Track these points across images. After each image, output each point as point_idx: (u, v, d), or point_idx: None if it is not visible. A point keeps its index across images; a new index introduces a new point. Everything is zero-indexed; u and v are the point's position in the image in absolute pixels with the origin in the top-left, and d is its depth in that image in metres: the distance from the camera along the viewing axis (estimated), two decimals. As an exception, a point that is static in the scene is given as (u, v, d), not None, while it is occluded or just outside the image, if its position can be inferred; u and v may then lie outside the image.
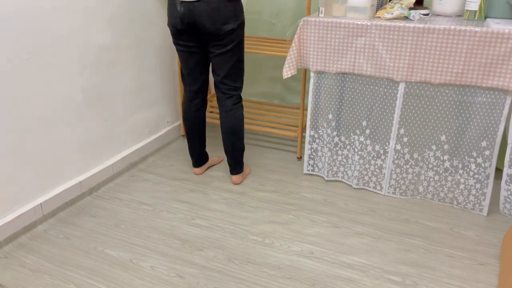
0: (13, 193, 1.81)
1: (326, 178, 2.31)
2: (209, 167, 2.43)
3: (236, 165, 2.23)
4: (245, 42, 2.81)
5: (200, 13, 1.87)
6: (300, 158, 2.42)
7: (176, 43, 2.05)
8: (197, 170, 2.36)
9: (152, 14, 2.39)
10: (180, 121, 2.73)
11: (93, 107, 2.12)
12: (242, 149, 2.21)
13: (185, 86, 2.18)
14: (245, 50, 2.43)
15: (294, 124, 2.58)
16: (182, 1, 1.88)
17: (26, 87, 1.78)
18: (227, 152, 2.20)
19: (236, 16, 1.93)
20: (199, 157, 2.33)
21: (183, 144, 2.74)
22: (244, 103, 3.04)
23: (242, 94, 2.98)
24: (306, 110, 2.57)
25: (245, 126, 2.60)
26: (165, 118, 2.70)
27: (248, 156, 2.58)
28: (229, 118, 2.11)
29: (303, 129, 2.39)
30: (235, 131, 2.14)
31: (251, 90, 3.00)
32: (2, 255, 1.74)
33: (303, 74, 2.28)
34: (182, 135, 2.74)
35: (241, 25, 2.00)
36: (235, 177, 2.25)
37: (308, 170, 2.36)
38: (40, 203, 1.92)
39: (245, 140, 2.63)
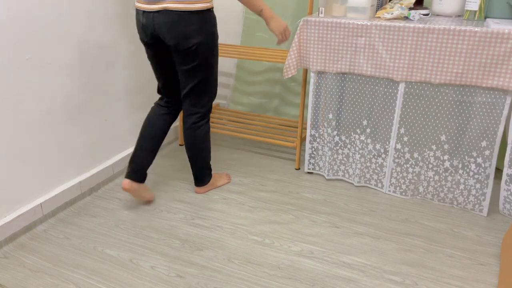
0: (13, 193, 1.81)
1: (327, 177, 2.32)
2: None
3: (198, 178, 2.14)
4: (244, 51, 2.79)
5: (160, 25, 1.69)
6: (298, 169, 2.42)
7: (148, 57, 1.91)
8: (126, 181, 1.94)
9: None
10: (179, 122, 2.73)
11: (93, 107, 2.12)
12: (203, 166, 2.09)
13: (159, 94, 2.05)
14: (246, 57, 2.40)
15: (293, 136, 2.55)
16: (144, 11, 1.72)
17: (26, 87, 1.78)
18: (190, 164, 2.10)
19: (202, 29, 1.71)
20: (137, 168, 1.96)
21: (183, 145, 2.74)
22: (241, 114, 3.03)
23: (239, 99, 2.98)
24: (306, 123, 2.56)
25: (243, 135, 2.57)
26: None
27: (247, 158, 2.58)
28: (188, 136, 1.99)
29: (302, 140, 2.39)
30: (194, 149, 2.02)
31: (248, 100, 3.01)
32: (2, 255, 1.74)
33: (303, 87, 2.27)
34: (180, 144, 2.73)
35: (210, 40, 1.76)
36: (197, 188, 2.18)
37: (309, 169, 2.36)
38: (40, 203, 1.92)
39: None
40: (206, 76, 1.86)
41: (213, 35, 1.78)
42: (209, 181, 2.18)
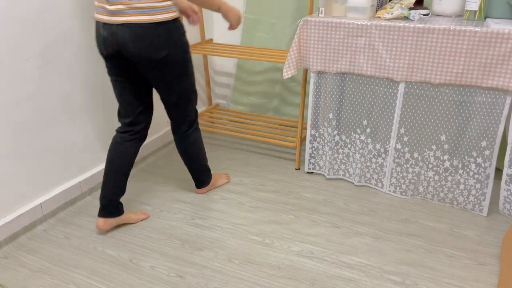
0: (13, 193, 1.81)
1: (327, 176, 2.32)
2: (122, 225, 1.94)
3: (198, 181, 2.15)
4: (244, 51, 2.77)
5: (124, 39, 1.56)
6: (298, 169, 2.42)
7: (107, 71, 1.75)
8: (100, 221, 1.84)
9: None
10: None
11: (93, 107, 2.12)
12: (202, 169, 2.09)
13: (119, 118, 1.85)
14: (246, 57, 2.39)
15: (293, 136, 2.56)
16: (104, 24, 1.58)
17: (26, 87, 1.78)
18: (188, 170, 2.09)
19: (170, 40, 1.61)
20: (108, 204, 1.84)
21: (183, 144, 2.74)
22: (241, 114, 3.03)
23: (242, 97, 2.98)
24: (306, 123, 2.56)
25: (243, 135, 2.57)
26: (165, 118, 2.70)
27: (247, 158, 2.58)
28: (181, 145, 1.97)
29: (302, 140, 2.39)
30: (190, 155, 2.01)
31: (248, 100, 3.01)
32: (2, 255, 1.74)
33: (303, 87, 2.27)
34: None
35: (180, 49, 1.66)
36: (198, 190, 2.19)
37: (309, 169, 2.37)
38: (40, 203, 1.92)
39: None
40: (186, 86, 1.78)
41: (183, 44, 1.67)
42: (209, 181, 2.18)
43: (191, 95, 1.85)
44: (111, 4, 1.53)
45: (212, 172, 2.34)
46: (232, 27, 1.85)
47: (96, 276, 1.63)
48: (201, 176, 2.12)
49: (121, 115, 1.84)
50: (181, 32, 1.66)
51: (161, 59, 1.62)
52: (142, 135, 1.88)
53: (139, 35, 1.55)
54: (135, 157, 1.88)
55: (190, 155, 2.01)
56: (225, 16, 1.80)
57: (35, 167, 1.89)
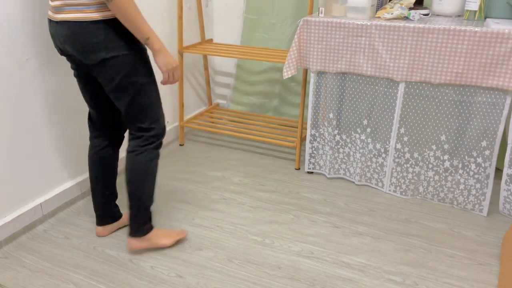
0: (13, 193, 1.81)
1: (328, 176, 2.32)
2: (122, 227, 1.91)
3: (132, 224, 1.67)
4: (244, 51, 2.75)
5: (63, 38, 1.43)
6: (298, 169, 2.42)
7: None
8: (99, 229, 1.83)
9: (153, 13, 2.39)
10: (177, 123, 2.73)
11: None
12: (140, 208, 1.63)
13: (88, 123, 1.73)
14: (246, 57, 2.38)
15: (293, 136, 2.56)
16: (50, 20, 1.47)
17: (26, 87, 1.78)
18: (128, 202, 1.65)
19: (110, 41, 1.40)
20: (103, 213, 1.81)
21: (183, 145, 2.74)
22: (241, 114, 3.03)
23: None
24: (306, 123, 2.56)
25: (243, 135, 2.56)
26: (165, 118, 2.70)
27: (247, 158, 2.58)
28: (128, 161, 1.60)
29: (302, 140, 2.39)
30: (133, 179, 1.59)
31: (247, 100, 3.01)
32: (2, 255, 1.74)
33: (303, 87, 2.27)
34: (180, 144, 2.73)
35: (126, 52, 1.43)
36: (130, 240, 1.69)
37: (309, 169, 2.37)
38: (40, 203, 1.92)
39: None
40: (136, 95, 1.51)
41: (130, 47, 1.44)
42: (147, 231, 1.69)
43: (146, 108, 1.55)
44: (52, 0, 1.43)
45: (212, 171, 2.33)
46: (163, 79, 1.51)
47: (96, 276, 1.63)
48: (137, 217, 1.65)
49: (90, 118, 1.71)
50: (124, 33, 1.42)
51: (100, 63, 1.43)
52: (117, 139, 1.74)
53: (74, 34, 1.40)
54: (117, 161, 1.76)
55: (135, 179, 1.60)
56: (155, 57, 1.46)
57: (35, 167, 1.88)
